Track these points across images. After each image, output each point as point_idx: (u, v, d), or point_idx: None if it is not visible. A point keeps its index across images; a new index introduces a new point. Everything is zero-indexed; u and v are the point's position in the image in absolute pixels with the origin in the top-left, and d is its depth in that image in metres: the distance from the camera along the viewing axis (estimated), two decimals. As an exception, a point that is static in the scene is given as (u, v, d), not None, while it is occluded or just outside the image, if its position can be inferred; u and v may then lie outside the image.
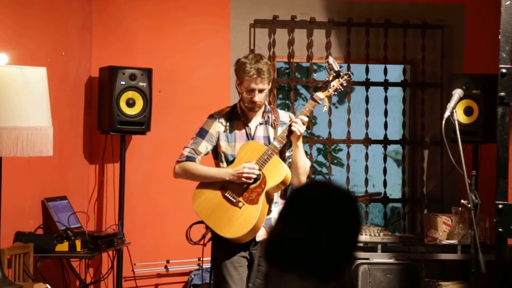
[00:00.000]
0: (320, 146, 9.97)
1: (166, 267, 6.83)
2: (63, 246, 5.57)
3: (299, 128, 4.75)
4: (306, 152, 6.74)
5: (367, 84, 7.19)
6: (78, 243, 5.60)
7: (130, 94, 6.47)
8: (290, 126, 4.78)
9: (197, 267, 6.72)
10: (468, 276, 5.42)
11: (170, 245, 6.78)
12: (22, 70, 4.39)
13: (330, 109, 7.14)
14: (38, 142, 4.39)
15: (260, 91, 4.78)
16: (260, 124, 4.91)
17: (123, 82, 6.44)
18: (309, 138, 7.19)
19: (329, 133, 7.16)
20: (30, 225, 5.69)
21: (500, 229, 4.20)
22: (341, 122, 7.41)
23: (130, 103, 6.47)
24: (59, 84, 6.10)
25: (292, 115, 4.93)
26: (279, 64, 7.98)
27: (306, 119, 4.79)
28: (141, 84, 6.49)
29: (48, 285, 5.03)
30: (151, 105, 6.53)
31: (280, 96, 10.32)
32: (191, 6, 6.98)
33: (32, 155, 4.40)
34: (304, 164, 4.87)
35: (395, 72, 8.17)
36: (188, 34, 6.97)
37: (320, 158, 10.92)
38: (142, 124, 6.52)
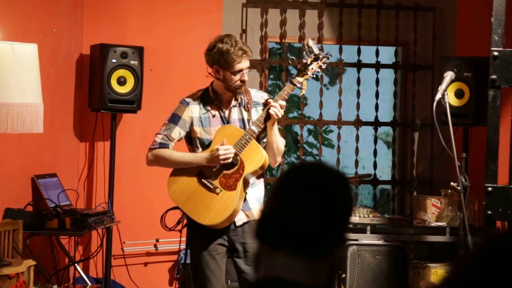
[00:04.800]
0: (311, 127, 9.96)
1: (155, 246, 6.85)
2: (53, 223, 5.57)
3: (278, 112, 4.66)
4: (296, 133, 6.71)
5: (359, 65, 7.19)
6: (67, 221, 5.60)
7: (121, 72, 6.46)
8: (268, 110, 4.69)
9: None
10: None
11: (159, 224, 6.78)
12: (13, 47, 4.37)
13: (321, 90, 7.15)
14: (29, 119, 4.38)
15: (246, 69, 4.73)
16: (234, 106, 4.80)
17: (114, 60, 6.42)
18: (300, 119, 7.19)
19: (320, 114, 7.16)
20: (19, 201, 5.68)
21: (489, 212, 4.22)
22: (332, 103, 7.40)
23: (121, 81, 6.46)
24: (50, 61, 6.08)
25: (266, 95, 4.87)
26: (271, 44, 7.96)
27: (284, 103, 4.71)
28: (132, 62, 6.47)
29: (37, 262, 5.03)
30: (142, 84, 6.52)
31: (272, 76, 10.32)
32: (184, -16, 6.96)
33: (22, 131, 4.39)
34: (279, 145, 4.78)
35: (387, 54, 8.17)
36: (180, 13, 6.95)
37: (311, 139, 10.92)
38: (133, 103, 6.50)
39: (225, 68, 4.69)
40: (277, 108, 4.66)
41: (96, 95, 6.50)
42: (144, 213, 6.84)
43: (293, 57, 5.32)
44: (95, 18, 6.86)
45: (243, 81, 4.72)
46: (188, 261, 6.54)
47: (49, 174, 6.09)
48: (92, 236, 6.68)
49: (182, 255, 6.69)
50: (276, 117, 4.67)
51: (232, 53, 4.65)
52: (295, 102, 10.29)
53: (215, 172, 4.70)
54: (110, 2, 6.88)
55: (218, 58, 4.69)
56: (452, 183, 4.93)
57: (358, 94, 7.20)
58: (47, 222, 5.56)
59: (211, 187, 4.68)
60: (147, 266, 6.92)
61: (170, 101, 6.82)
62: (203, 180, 4.70)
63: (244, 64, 4.70)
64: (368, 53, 7.27)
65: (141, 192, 6.87)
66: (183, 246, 6.73)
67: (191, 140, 4.81)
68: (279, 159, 4.86)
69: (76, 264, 6.36)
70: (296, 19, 7.09)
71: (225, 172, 4.69)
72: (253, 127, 4.69)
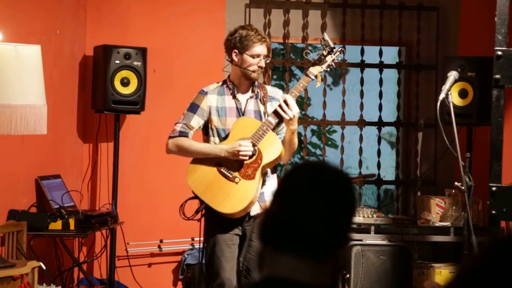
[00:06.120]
0: (314, 127, 9.96)
1: (159, 246, 6.84)
2: (57, 225, 5.57)
3: (283, 113, 4.77)
4: (300, 133, 6.72)
5: (362, 65, 7.18)
6: (71, 222, 5.61)
7: (124, 73, 6.46)
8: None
9: (191, 247, 6.73)
10: (461, 258, 5.43)
11: (163, 224, 6.79)
12: (16, 48, 4.37)
13: (324, 90, 7.14)
14: (32, 120, 4.38)
15: (265, 57, 4.86)
16: (251, 97, 4.93)
17: (117, 61, 6.42)
18: (303, 119, 7.18)
19: (324, 115, 7.16)
20: (23, 203, 5.68)
21: (493, 211, 4.21)
22: (335, 104, 7.40)
23: (125, 82, 6.45)
24: (53, 62, 6.08)
25: (281, 92, 5.01)
26: (274, 44, 7.95)
27: (291, 100, 4.82)
28: (135, 63, 6.47)
29: (41, 263, 5.04)
30: (145, 85, 6.52)
31: (275, 76, 10.30)
32: (187, -15, 6.96)
33: (26, 133, 4.39)
34: (294, 145, 4.90)
35: (390, 54, 8.15)
36: (183, 13, 6.95)
37: (314, 140, 10.92)
38: (136, 104, 6.50)
39: (244, 50, 4.84)
40: (284, 108, 4.78)
41: (99, 96, 6.50)
42: (148, 213, 6.84)
43: (309, 51, 5.38)
44: (98, 19, 6.86)
45: (260, 67, 4.86)
46: (193, 261, 6.55)
47: (52, 175, 6.09)
48: (96, 237, 6.68)
49: (186, 255, 6.68)
50: (287, 117, 4.77)
51: (252, 36, 4.84)
52: (299, 103, 10.25)
53: (234, 162, 4.79)
54: (113, 3, 6.88)
55: (239, 41, 4.86)
56: (456, 183, 4.92)
57: (362, 94, 7.19)
58: (51, 223, 5.56)
59: (230, 176, 4.78)
60: (151, 267, 6.91)
61: (173, 101, 6.84)
62: (222, 169, 4.80)
63: (262, 49, 4.86)
64: (371, 53, 7.26)
65: (145, 193, 6.87)
66: (187, 246, 6.77)
67: (207, 130, 4.92)
68: (289, 158, 4.98)
69: (80, 265, 6.36)
70: (299, 20, 7.08)
71: (243, 162, 4.77)
72: (270, 118, 4.82)
